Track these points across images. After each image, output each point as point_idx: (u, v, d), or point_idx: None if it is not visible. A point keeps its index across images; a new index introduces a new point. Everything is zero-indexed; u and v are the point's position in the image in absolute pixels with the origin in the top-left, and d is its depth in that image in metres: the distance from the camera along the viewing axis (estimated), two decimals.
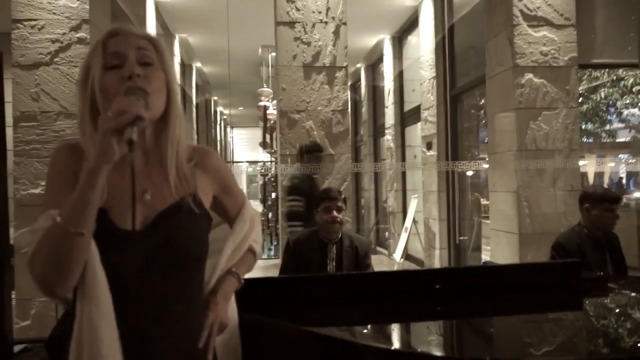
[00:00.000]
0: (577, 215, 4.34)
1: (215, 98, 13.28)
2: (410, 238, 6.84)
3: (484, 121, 6.40)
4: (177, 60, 7.77)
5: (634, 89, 8.10)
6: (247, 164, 22.70)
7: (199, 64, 9.74)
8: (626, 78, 7.97)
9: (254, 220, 1.18)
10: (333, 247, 2.69)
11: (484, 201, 5.85)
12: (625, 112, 8.73)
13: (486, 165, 6.29)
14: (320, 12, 4.10)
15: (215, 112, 13.73)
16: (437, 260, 6.08)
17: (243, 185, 19.05)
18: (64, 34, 3.80)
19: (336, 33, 4.13)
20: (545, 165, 4.23)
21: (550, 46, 4.25)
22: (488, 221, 6.37)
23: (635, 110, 8.72)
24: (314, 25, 4.10)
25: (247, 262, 1.19)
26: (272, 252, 9.02)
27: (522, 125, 4.22)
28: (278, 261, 8.89)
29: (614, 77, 7.98)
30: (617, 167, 10.14)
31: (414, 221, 6.80)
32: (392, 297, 1.69)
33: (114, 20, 4.83)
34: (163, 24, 7.05)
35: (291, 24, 4.08)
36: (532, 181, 4.22)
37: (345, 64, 4.16)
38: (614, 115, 8.90)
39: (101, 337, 0.91)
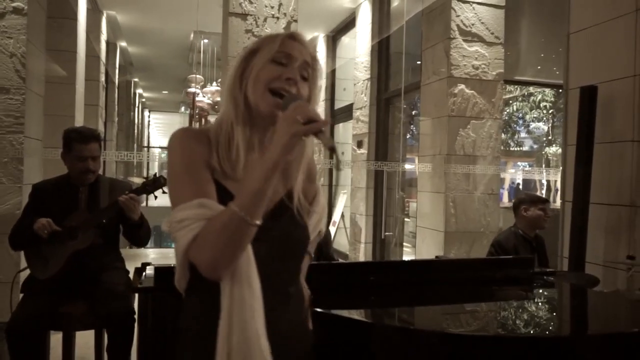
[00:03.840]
0: (495, 217, 4.79)
1: (136, 79, 12.74)
2: (337, 232, 7.08)
3: (412, 125, 6.78)
4: (103, 38, 7.39)
5: (541, 105, 8.97)
6: (160, 150, 21.97)
7: (123, 43, 9.30)
8: (535, 94, 8.82)
9: (325, 205, 1.28)
10: None
11: (412, 201, 6.20)
12: (532, 125, 9.65)
13: (410, 166, 6.67)
14: (272, 7, 4.14)
15: (135, 94, 13.18)
16: (362, 254, 6.36)
17: (155, 171, 18.40)
18: None
19: (287, 29, 4.20)
20: (471, 170, 4.61)
21: (481, 61, 4.63)
22: (407, 219, 6.78)
23: (540, 123, 9.66)
24: (265, 20, 4.14)
25: (315, 241, 1.28)
26: None
27: (453, 131, 4.57)
28: None
29: (525, 93, 8.78)
30: (516, 173, 11.14)
31: (342, 216, 7.04)
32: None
33: None
34: None
35: (243, 16, 4.09)
36: (458, 184, 4.58)
37: None
38: (522, 127, 9.81)
39: (254, 315, 0.99)
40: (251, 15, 4.11)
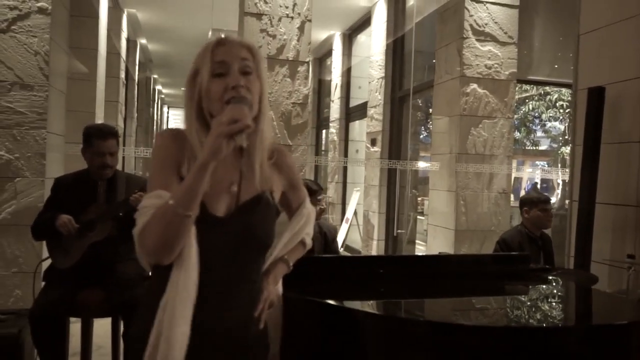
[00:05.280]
0: (506, 216, 4.81)
1: (155, 76, 12.94)
2: (350, 229, 7.16)
3: (430, 123, 6.81)
4: (123, 35, 7.55)
5: (557, 104, 8.93)
6: None
7: (143, 41, 9.49)
8: (552, 93, 8.79)
9: (310, 216, 1.34)
10: None
11: (427, 199, 6.23)
12: (548, 124, 9.62)
13: (424, 164, 6.71)
14: (287, 7, 4.23)
15: (154, 90, 13.40)
16: (375, 251, 6.43)
17: None
18: (23, 1, 3.67)
19: (301, 29, 4.28)
20: (482, 169, 4.64)
21: (494, 60, 4.65)
22: (421, 217, 6.82)
23: (557, 123, 9.61)
24: (280, 19, 4.22)
25: (297, 252, 1.34)
26: None
27: (464, 130, 4.60)
28: None
29: (542, 92, 8.75)
30: (533, 173, 11.08)
31: (355, 213, 7.11)
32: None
33: None
34: None
35: (258, 16, 4.18)
36: (469, 182, 4.62)
37: (307, 60, 4.32)
38: (538, 126, 9.77)
39: (182, 298, 1.07)
40: (266, 15, 4.19)
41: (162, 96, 15.97)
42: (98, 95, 5.70)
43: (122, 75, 7.47)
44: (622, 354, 1.52)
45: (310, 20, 4.32)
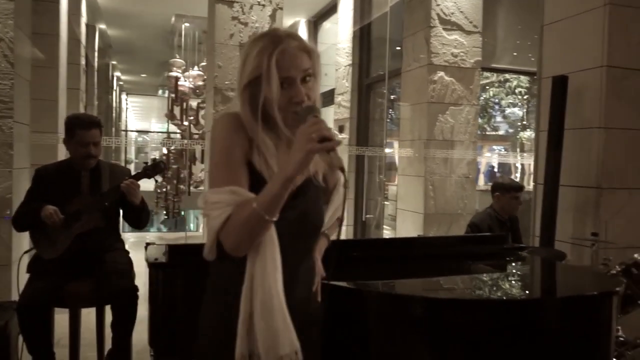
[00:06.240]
0: (472, 199, 5.01)
1: (115, 62, 12.58)
2: None
3: (391, 110, 6.95)
4: (82, 20, 7.32)
5: (516, 91, 9.29)
6: (137, 134, 21.74)
7: (102, 26, 9.20)
8: (511, 80, 9.14)
9: (345, 193, 1.40)
10: None
11: (391, 184, 6.39)
12: (508, 110, 10.00)
13: (390, 151, 6.86)
14: None
15: (113, 77, 13.02)
16: (344, 235, 6.55)
17: (132, 155, 18.26)
18: None
19: (272, 17, 4.29)
20: (450, 155, 4.81)
21: (460, 49, 4.80)
22: (387, 202, 6.98)
23: (516, 109, 9.99)
24: (251, 7, 4.22)
25: (334, 226, 1.43)
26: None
27: (432, 117, 4.75)
28: (177, 234, 8.85)
29: (502, 79, 9.07)
30: (492, 157, 11.46)
31: None
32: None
33: None
34: None
35: (230, 3, 4.16)
36: (437, 168, 4.78)
37: None
38: (498, 112, 10.13)
39: (273, 284, 1.15)
40: (237, 2, 4.18)
41: (121, 83, 15.54)
42: (60, 83, 5.53)
43: (82, 61, 7.25)
44: (594, 322, 1.66)
45: (281, 8, 4.33)
